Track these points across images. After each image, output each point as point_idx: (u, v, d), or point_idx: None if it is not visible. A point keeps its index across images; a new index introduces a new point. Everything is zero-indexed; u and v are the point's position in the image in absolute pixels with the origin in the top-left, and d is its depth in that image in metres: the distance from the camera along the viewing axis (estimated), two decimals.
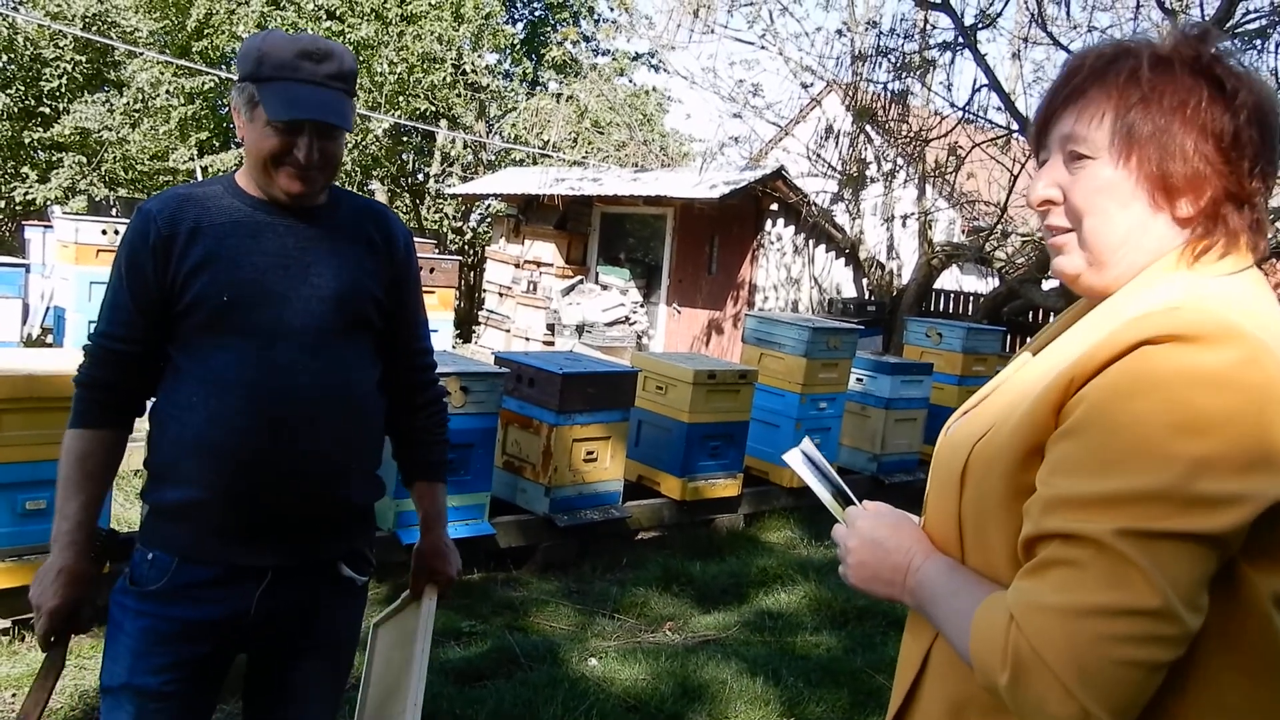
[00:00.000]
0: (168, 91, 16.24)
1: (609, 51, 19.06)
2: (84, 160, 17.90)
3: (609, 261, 13.35)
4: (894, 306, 11.37)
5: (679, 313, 12.64)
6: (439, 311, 8.76)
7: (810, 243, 12.33)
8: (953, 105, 10.36)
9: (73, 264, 8.24)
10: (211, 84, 15.94)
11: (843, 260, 12.69)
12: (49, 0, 16.57)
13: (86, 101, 17.61)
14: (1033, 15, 9.47)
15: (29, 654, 3.52)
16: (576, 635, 4.11)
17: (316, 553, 1.81)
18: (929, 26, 10.50)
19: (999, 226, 11.13)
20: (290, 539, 1.76)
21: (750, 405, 5.83)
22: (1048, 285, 9.96)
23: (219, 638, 1.75)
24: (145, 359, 1.76)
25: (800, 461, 1.31)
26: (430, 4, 15.11)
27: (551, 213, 13.40)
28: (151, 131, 17.07)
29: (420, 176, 18.98)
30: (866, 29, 10.91)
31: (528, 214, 13.91)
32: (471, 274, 16.12)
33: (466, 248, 17.74)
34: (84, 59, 17.80)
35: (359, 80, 14.82)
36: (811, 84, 12.11)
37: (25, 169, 18.31)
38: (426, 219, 18.27)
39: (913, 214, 11.68)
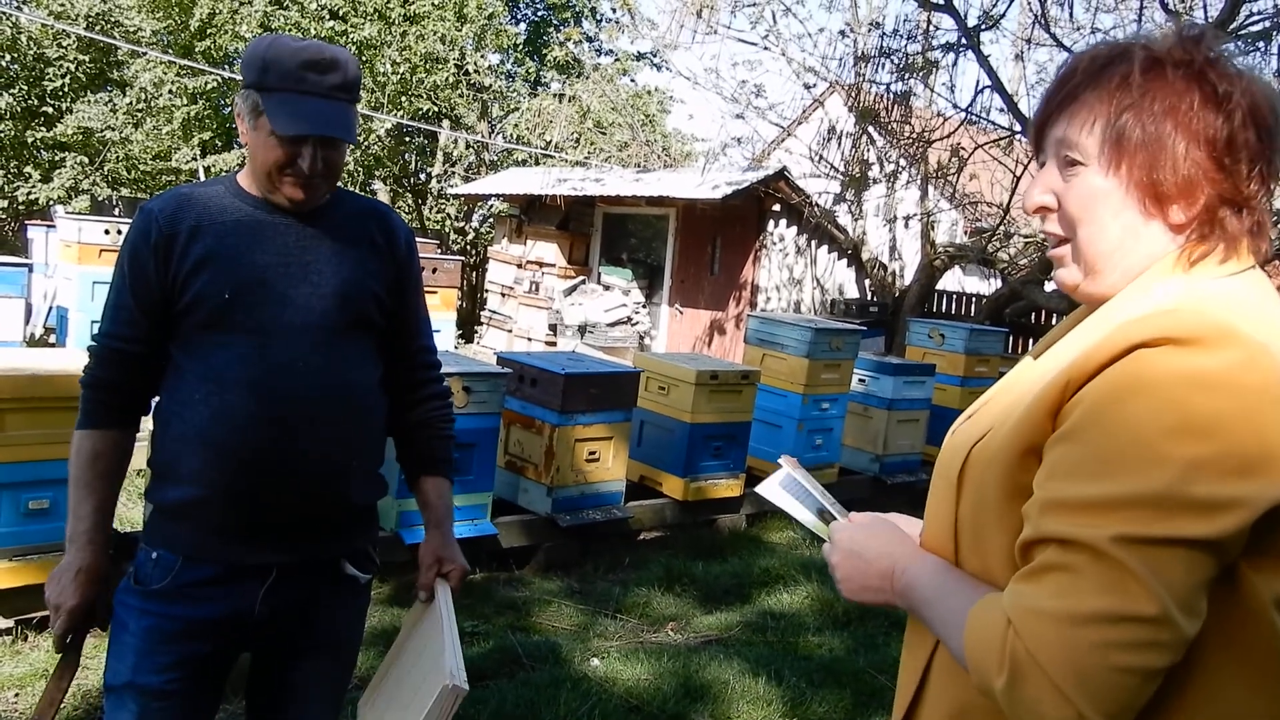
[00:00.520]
0: (170, 91, 16.25)
1: (611, 52, 19.09)
2: (87, 160, 17.92)
3: (611, 262, 13.36)
4: (896, 307, 11.37)
5: (681, 313, 12.64)
6: (441, 311, 8.76)
7: (813, 243, 12.32)
8: (955, 106, 10.35)
9: (75, 264, 8.25)
10: (214, 84, 15.95)
11: (845, 261, 12.68)
12: (52, 0, 16.60)
13: (89, 101, 17.62)
14: (1036, 16, 9.47)
15: (32, 654, 3.52)
16: (579, 635, 4.11)
17: (319, 551, 1.81)
18: (932, 27, 10.49)
19: (1001, 228, 11.13)
20: (292, 537, 1.76)
21: (752, 406, 5.83)
22: (1050, 287, 9.95)
23: (222, 636, 1.76)
24: (149, 358, 1.77)
25: (777, 492, 1.30)
26: (433, 4, 15.11)
27: (554, 213, 13.41)
28: (154, 131, 17.08)
29: (423, 176, 18.99)
30: (869, 30, 10.91)
31: (530, 214, 13.91)
32: (474, 274, 16.12)
33: (469, 248, 17.74)
34: (87, 59, 17.82)
35: (361, 80, 14.95)
36: (814, 85, 12.12)
37: (28, 169, 18.33)
38: (429, 219, 18.28)
39: (915, 215, 11.68)
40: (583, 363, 5.38)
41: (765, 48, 11.85)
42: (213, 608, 1.73)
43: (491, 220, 17.47)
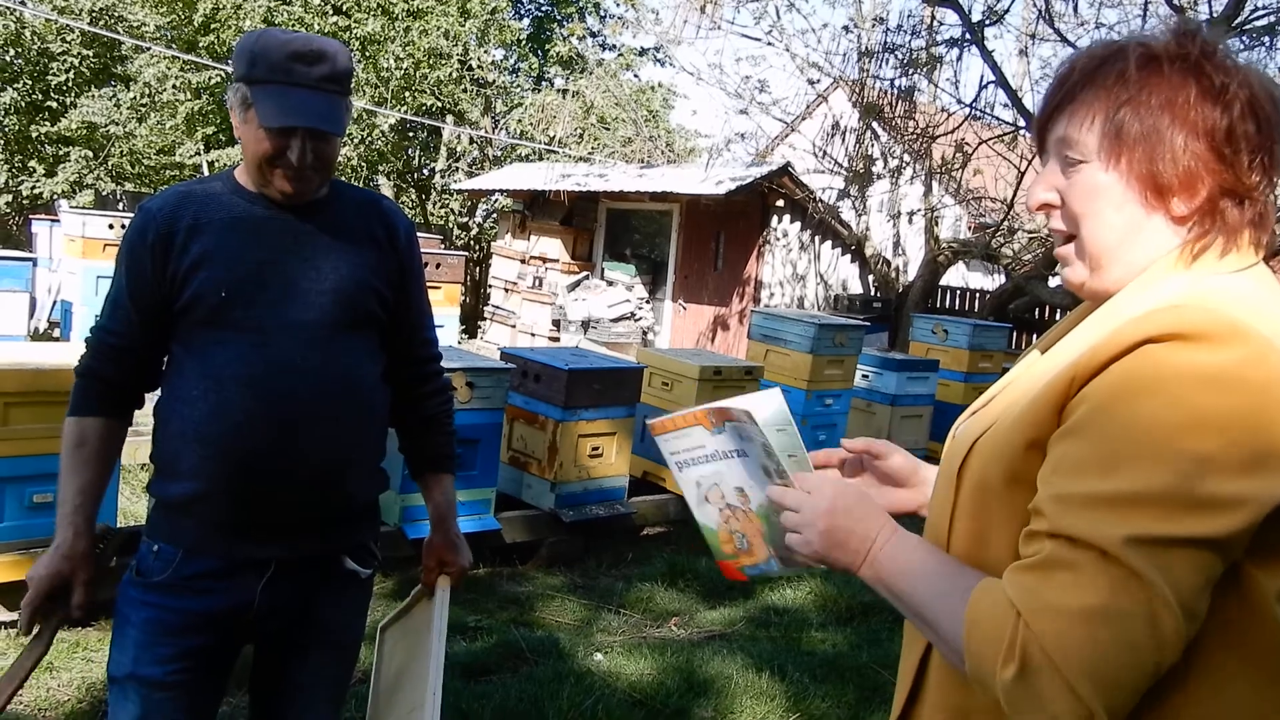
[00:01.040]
0: (174, 86, 16.25)
1: (615, 47, 19.07)
2: (91, 155, 17.93)
3: (615, 257, 13.36)
4: (900, 303, 11.36)
5: (684, 309, 12.64)
6: (445, 307, 8.76)
7: (816, 239, 12.31)
8: (960, 102, 10.33)
9: (79, 258, 8.27)
10: (218, 78, 15.95)
11: (849, 257, 12.67)
12: None
13: (93, 96, 17.63)
14: (1040, 12, 9.45)
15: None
16: (582, 630, 4.11)
17: (319, 546, 1.81)
18: (936, 23, 10.48)
19: (1005, 223, 11.11)
20: (293, 532, 1.76)
21: None
22: (1054, 282, 9.95)
23: (223, 629, 1.76)
24: (142, 354, 1.79)
25: (777, 411, 1.18)
26: None
27: (557, 208, 13.40)
28: (158, 126, 17.08)
29: (426, 172, 18.99)
30: (873, 25, 10.89)
31: (533, 210, 13.91)
32: (477, 270, 16.13)
33: (472, 243, 17.76)
34: (91, 53, 17.81)
35: (365, 76, 14.87)
36: (818, 80, 12.10)
37: (32, 163, 18.34)
38: (432, 214, 18.28)
39: (919, 210, 11.67)
40: (586, 358, 5.38)
41: (769, 43, 11.84)
42: (213, 600, 1.73)
43: (495, 216, 17.46)
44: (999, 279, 12.33)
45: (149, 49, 15.90)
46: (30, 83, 17.87)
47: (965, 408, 1.20)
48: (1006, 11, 9.80)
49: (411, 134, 17.99)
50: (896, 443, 1.25)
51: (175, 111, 16.56)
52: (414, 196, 18.58)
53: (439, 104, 16.65)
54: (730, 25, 11.78)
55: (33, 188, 17.96)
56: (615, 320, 12.23)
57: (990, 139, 10.53)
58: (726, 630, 4.18)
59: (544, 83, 18.37)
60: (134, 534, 1.76)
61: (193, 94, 16.37)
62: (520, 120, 16.38)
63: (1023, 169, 10.32)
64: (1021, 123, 9.71)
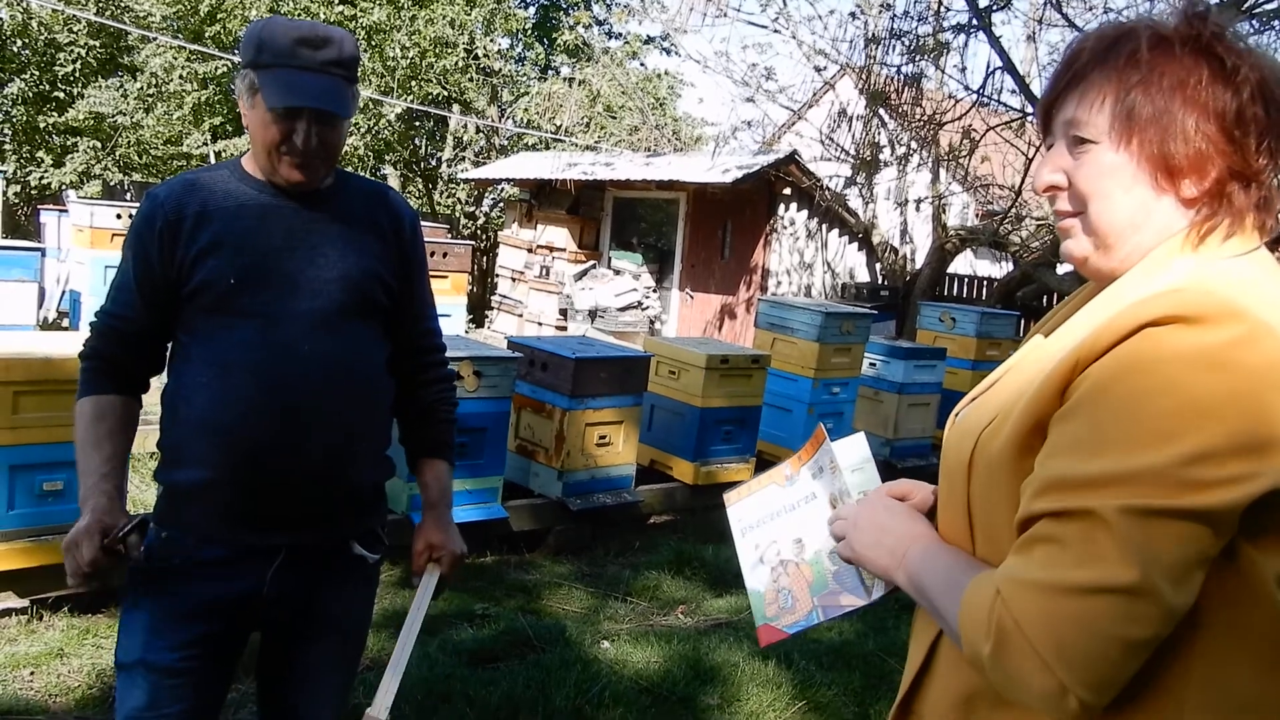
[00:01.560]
0: (181, 76, 16.26)
1: (621, 35, 19.00)
2: (98, 145, 17.96)
3: (621, 246, 13.34)
4: (907, 291, 11.34)
5: (691, 298, 12.63)
6: (452, 296, 8.77)
7: (823, 227, 12.29)
8: (967, 88, 10.29)
9: (88, 248, 8.29)
10: (225, 68, 15.95)
11: (856, 245, 12.64)
12: None
13: (100, 86, 17.66)
14: None
15: (47, 633, 3.55)
16: (589, 618, 4.13)
17: (327, 533, 1.82)
18: (943, 9, 10.42)
19: (1013, 210, 11.07)
20: (300, 519, 1.77)
21: (763, 390, 5.83)
22: (1062, 269, 9.91)
23: (232, 616, 1.77)
24: (146, 340, 1.79)
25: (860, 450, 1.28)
26: None
27: (564, 197, 13.39)
28: (165, 116, 17.10)
29: (433, 161, 18.98)
30: (880, 12, 10.84)
31: (540, 199, 13.90)
32: (484, 259, 16.13)
33: (479, 232, 17.75)
34: (98, 44, 17.83)
35: (371, 65, 14.86)
36: (825, 68, 12.06)
37: (40, 154, 18.38)
38: (439, 204, 18.28)
39: (926, 198, 11.63)
40: (593, 347, 5.38)
41: (775, 30, 11.79)
42: (222, 587, 1.74)
43: (502, 205, 17.46)
44: (1007, 266, 12.30)
45: (155, 39, 15.91)
46: (38, 73, 17.89)
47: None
48: None
49: (418, 123, 17.98)
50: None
51: (182, 102, 16.57)
52: (421, 186, 18.58)
53: (445, 93, 16.62)
54: (736, 12, 11.79)
55: (41, 178, 18.01)
56: (622, 309, 12.23)
57: (998, 125, 10.48)
58: (733, 618, 4.18)
59: (550, 71, 18.32)
60: (144, 521, 1.74)
61: (199, 84, 16.38)
62: (526, 109, 16.36)
63: (1030, 155, 10.27)
64: (1029, 109, 9.65)
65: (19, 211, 18.35)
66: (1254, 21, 7.85)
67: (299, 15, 14.31)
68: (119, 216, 8.31)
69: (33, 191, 18.31)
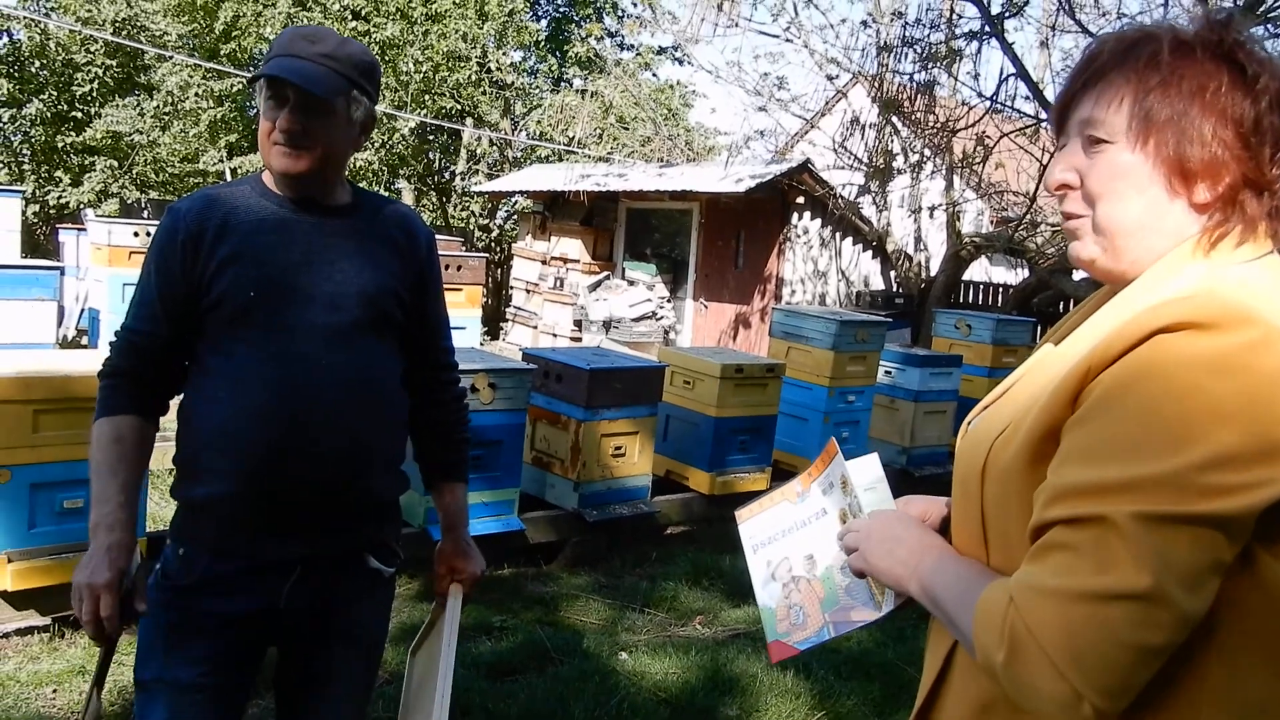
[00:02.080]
0: (197, 94, 16.41)
1: (633, 47, 19.07)
2: (116, 164, 18.13)
3: (635, 257, 13.37)
4: (922, 299, 11.30)
5: (706, 307, 12.63)
6: (466, 309, 8.79)
7: (837, 236, 12.27)
8: (980, 95, 10.25)
9: (106, 266, 8.36)
10: (240, 86, 16.08)
11: (870, 253, 12.63)
12: (80, 6, 16.78)
13: (117, 105, 17.83)
14: (1061, 3, 9.37)
15: (69, 650, 3.57)
16: (607, 630, 4.12)
17: (342, 545, 1.83)
18: (955, 16, 10.41)
19: (1028, 216, 11.03)
20: (315, 532, 1.78)
21: (778, 399, 5.82)
22: (1078, 275, 9.86)
23: (250, 630, 1.78)
24: (168, 354, 1.79)
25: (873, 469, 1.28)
26: (454, 2, 15.16)
27: (577, 209, 13.43)
28: (182, 134, 17.27)
29: (447, 175, 19.07)
30: (892, 20, 10.84)
31: (554, 210, 13.94)
32: (499, 271, 16.18)
33: (493, 245, 17.82)
34: (114, 63, 18.03)
35: (385, 80, 14.93)
36: (837, 76, 12.06)
37: (59, 173, 18.56)
38: (453, 217, 18.36)
39: (941, 205, 11.60)
40: (608, 358, 5.38)
41: (787, 40, 11.80)
42: (239, 602, 1.75)
43: (515, 217, 17.52)
44: (1023, 273, 12.24)
45: (171, 58, 16.05)
46: (55, 93, 18.10)
47: None
48: (1026, 3, 9.73)
49: (431, 137, 18.08)
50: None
51: (198, 119, 16.73)
52: (435, 199, 18.66)
53: (458, 107, 16.71)
54: (748, 22, 11.81)
55: (59, 197, 18.19)
56: (637, 320, 12.24)
57: (1012, 132, 10.44)
58: (751, 628, 4.17)
59: (562, 83, 18.39)
60: (161, 537, 1.75)
61: (215, 102, 16.53)
62: (539, 121, 16.42)
63: (1045, 162, 10.24)
64: (1043, 115, 9.62)
65: (38, 231, 18.52)
66: (1269, 26, 7.81)
67: None
68: (136, 234, 8.37)
69: (51, 211, 18.49)
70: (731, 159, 11.95)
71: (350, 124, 1.79)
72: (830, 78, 12.04)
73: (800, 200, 11.79)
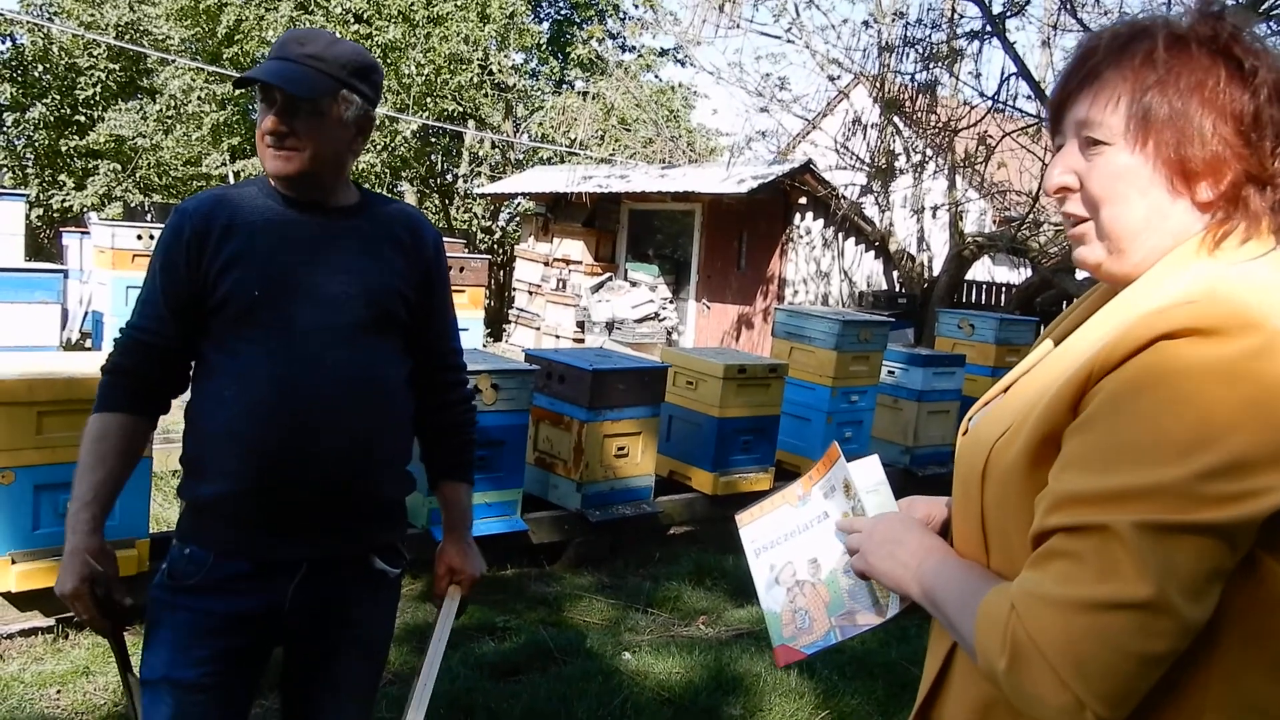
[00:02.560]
0: (199, 98, 16.44)
1: (635, 48, 19.08)
2: (119, 167, 18.17)
3: (638, 258, 13.37)
4: (925, 299, 11.30)
5: (708, 308, 12.63)
6: (469, 310, 8.81)
7: (840, 236, 12.27)
8: (982, 95, 10.26)
9: (109, 269, 8.38)
10: (243, 90, 16.09)
11: (873, 253, 12.62)
12: (82, 10, 16.82)
13: (120, 109, 17.87)
14: (1062, 2, 9.37)
15: (73, 651, 3.58)
16: (610, 630, 4.12)
17: (347, 546, 1.83)
18: (957, 16, 10.42)
19: (1031, 216, 11.02)
20: (320, 532, 1.78)
21: (781, 399, 5.82)
22: (1081, 274, 9.85)
23: (255, 631, 1.78)
24: (172, 353, 1.80)
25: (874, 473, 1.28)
26: (456, 4, 15.18)
27: (580, 210, 13.44)
28: (185, 138, 17.29)
29: (449, 177, 19.10)
30: (893, 20, 10.84)
31: (556, 212, 13.95)
32: (501, 273, 16.19)
33: (496, 247, 17.83)
34: (117, 67, 18.07)
35: (387, 83, 14.94)
36: (838, 76, 12.06)
37: (62, 176, 18.60)
38: (456, 219, 18.37)
39: (943, 205, 11.60)
40: (610, 359, 5.39)
41: (789, 40, 11.81)
42: (245, 602, 1.75)
43: (518, 219, 17.53)
44: (1025, 272, 12.23)
45: (174, 62, 16.08)
46: (59, 97, 18.15)
47: None
48: (1028, 2, 9.74)
49: (434, 139, 18.10)
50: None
51: (201, 123, 16.75)
52: (437, 202, 18.68)
53: (460, 109, 16.73)
54: (749, 23, 11.80)
55: (63, 201, 18.23)
56: (639, 321, 12.24)
57: (1014, 131, 10.45)
58: (755, 628, 4.17)
59: (564, 85, 18.41)
60: (165, 539, 1.76)
61: (218, 105, 16.56)
62: (541, 123, 16.44)
63: (1047, 161, 10.23)
64: (1045, 114, 9.61)
65: (42, 234, 18.55)
66: (1272, 23, 7.80)
67: None
68: (140, 238, 8.39)
69: (55, 214, 18.53)
70: (733, 160, 11.96)
71: (343, 125, 1.78)
72: (832, 78, 12.05)
73: (802, 201, 11.79)
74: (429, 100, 16.07)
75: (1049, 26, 10.41)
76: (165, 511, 4.87)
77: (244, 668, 1.80)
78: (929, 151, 11.27)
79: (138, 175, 18.40)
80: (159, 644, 1.76)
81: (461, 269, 8.88)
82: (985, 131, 10.35)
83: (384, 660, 2.04)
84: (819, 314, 6.55)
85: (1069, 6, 9.23)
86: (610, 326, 12.08)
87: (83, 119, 18.28)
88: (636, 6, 18.20)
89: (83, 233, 11.00)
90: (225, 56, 16.23)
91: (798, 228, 11.97)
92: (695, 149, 16.47)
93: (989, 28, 9.48)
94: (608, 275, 13.11)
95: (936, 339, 8.05)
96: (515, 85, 17.01)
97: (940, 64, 10.06)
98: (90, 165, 18.37)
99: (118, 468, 1.77)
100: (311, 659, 1.88)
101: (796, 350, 6.41)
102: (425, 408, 1.99)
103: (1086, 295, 1.16)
